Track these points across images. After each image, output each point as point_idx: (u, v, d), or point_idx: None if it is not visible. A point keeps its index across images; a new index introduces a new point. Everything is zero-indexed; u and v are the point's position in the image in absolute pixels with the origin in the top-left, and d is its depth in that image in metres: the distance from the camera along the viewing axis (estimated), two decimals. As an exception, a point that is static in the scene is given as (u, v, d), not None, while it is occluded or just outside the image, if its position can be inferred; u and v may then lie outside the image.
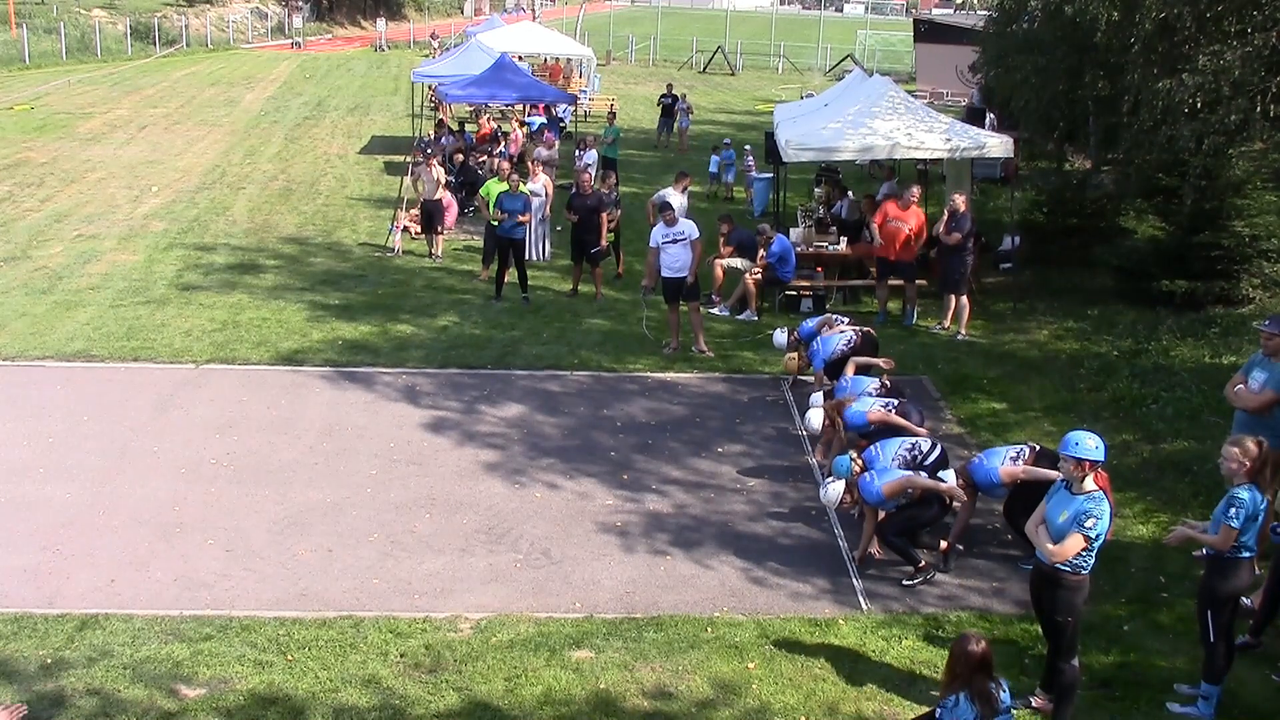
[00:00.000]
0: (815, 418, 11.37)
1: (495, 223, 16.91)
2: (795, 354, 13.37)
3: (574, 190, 17.75)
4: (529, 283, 17.18)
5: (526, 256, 17.71)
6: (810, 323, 13.47)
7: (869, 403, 11.06)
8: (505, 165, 18.38)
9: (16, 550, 9.73)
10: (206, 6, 63.00)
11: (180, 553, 9.81)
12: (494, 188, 17.57)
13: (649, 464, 11.84)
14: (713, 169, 26.45)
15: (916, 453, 9.91)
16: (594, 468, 11.71)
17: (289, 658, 8.40)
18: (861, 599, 9.47)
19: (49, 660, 8.26)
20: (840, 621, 9.08)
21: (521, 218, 16.78)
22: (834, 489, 9.78)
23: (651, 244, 15.02)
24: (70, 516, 10.34)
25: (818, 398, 11.92)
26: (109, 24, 54.20)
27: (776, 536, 10.48)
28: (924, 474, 9.72)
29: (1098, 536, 7.37)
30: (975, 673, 6.49)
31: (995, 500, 10.26)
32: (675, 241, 14.72)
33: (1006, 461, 9.73)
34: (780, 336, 13.69)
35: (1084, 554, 7.42)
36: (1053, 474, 9.28)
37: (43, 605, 8.96)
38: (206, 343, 14.82)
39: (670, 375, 14.34)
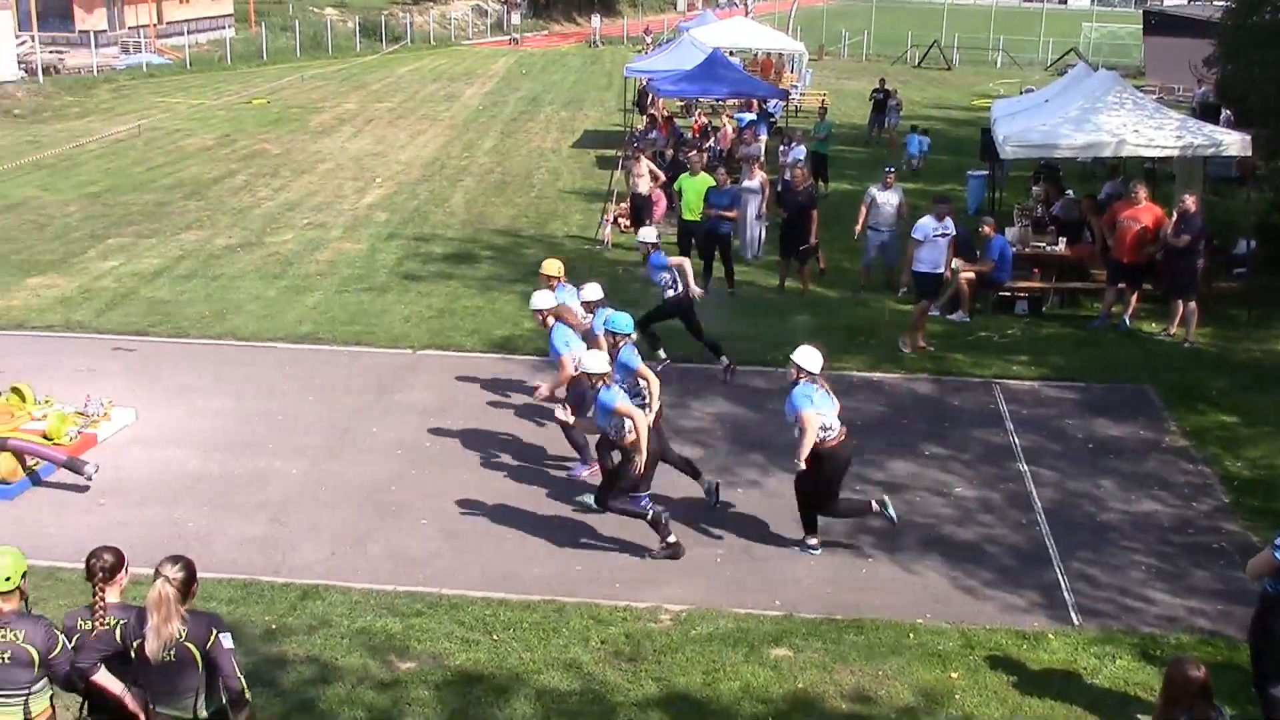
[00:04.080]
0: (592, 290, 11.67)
1: (697, 219, 17.00)
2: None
3: (783, 186, 17.65)
4: (735, 278, 17.20)
5: (743, 254, 17.73)
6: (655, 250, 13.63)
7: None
8: (696, 159, 18.40)
9: (250, 520, 10.33)
10: (430, 4, 65.28)
11: (395, 530, 10.23)
12: (685, 182, 17.66)
13: (853, 464, 11.66)
14: (912, 151, 27.69)
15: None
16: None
17: (494, 637, 8.64)
18: (1073, 613, 9.12)
19: (274, 625, 8.73)
20: (1050, 635, 8.77)
21: (728, 213, 16.78)
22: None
23: (918, 235, 14.85)
24: (296, 491, 10.90)
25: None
26: (340, 22, 56.88)
27: (982, 543, 10.20)
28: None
29: None
30: (1195, 699, 6.17)
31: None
32: (943, 236, 14.74)
33: None
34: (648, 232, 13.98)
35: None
36: None
37: (269, 573, 9.47)
38: (424, 329, 15.37)
39: (877, 375, 14.10)
